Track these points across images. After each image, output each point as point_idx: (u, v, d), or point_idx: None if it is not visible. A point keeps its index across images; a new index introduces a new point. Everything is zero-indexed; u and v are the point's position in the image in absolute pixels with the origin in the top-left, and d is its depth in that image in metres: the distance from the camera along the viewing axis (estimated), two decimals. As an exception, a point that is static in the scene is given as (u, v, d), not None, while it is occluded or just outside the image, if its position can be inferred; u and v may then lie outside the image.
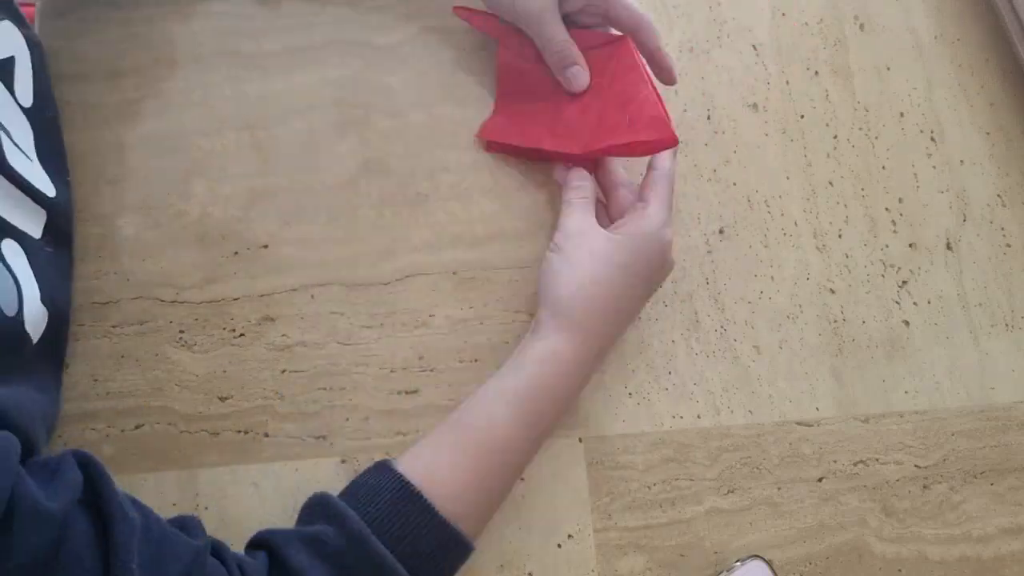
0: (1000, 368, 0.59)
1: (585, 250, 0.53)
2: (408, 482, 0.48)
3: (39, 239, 0.52)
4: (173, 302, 0.57)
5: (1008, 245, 0.62)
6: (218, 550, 0.45)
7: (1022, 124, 0.64)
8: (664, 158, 0.56)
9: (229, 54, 0.63)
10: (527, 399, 0.51)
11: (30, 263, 0.50)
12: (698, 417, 0.57)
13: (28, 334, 0.47)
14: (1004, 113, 0.64)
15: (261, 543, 0.46)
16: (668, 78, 0.58)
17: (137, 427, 0.55)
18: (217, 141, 0.61)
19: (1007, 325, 0.60)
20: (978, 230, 0.62)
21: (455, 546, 0.48)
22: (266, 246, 0.59)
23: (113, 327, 0.57)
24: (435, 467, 0.49)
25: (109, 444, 0.55)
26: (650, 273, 0.54)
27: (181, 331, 0.57)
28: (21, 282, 0.48)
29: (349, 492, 0.49)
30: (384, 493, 0.47)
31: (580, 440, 0.56)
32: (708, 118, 0.63)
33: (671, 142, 0.54)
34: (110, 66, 0.62)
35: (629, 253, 0.53)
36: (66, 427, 0.55)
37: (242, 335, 0.57)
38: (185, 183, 0.60)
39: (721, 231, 0.61)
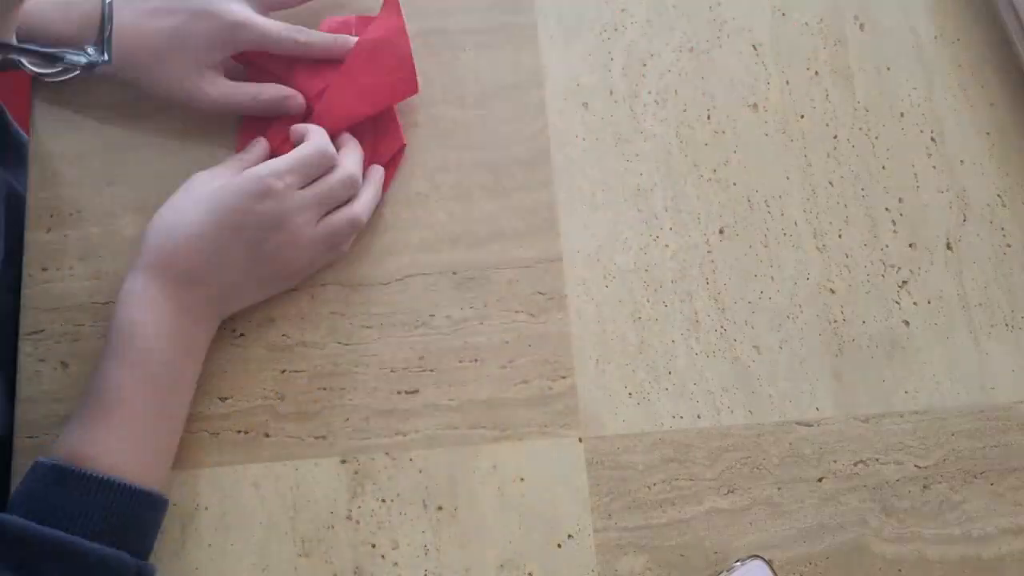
0: (1000, 368, 0.59)
1: (199, 194, 0.54)
2: (56, 465, 0.48)
3: None
4: (173, 302, 0.57)
5: (1008, 245, 0.61)
6: None
7: (1022, 124, 0.64)
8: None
9: (229, 54, 0.63)
10: (135, 358, 0.51)
11: None
12: (698, 417, 0.57)
13: None
14: (1004, 113, 0.64)
15: None
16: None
17: (137, 427, 0.55)
18: (218, 142, 0.61)
19: (1007, 325, 0.60)
20: (978, 230, 0.62)
21: (132, 497, 0.48)
22: (266, 246, 0.59)
23: (113, 327, 0.57)
24: (77, 442, 0.49)
25: (109, 444, 0.55)
26: (253, 224, 0.53)
27: (181, 331, 0.57)
28: None
29: (9, 504, 0.48)
30: (35, 485, 0.48)
31: (580, 440, 0.56)
32: (708, 118, 0.63)
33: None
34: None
35: (232, 196, 0.53)
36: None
37: (242, 335, 0.57)
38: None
39: (721, 231, 0.61)
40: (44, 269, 0.58)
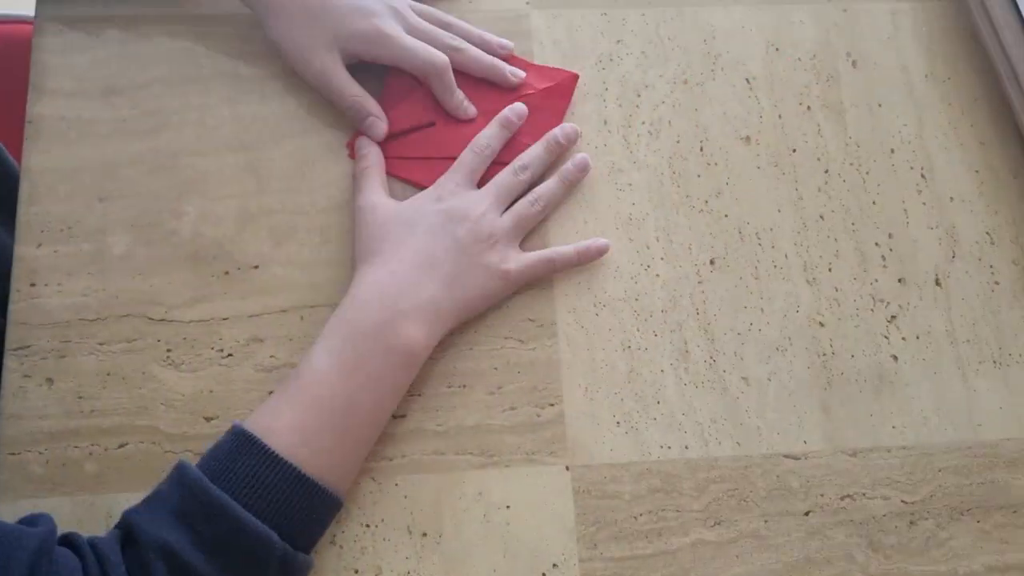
0: (988, 405, 0.59)
1: (374, 221, 0.57)
2: (246, 431, 0.49)
3: None
4: (162, 320, 0.57)
5: (997, 282, 0.62)
6: (70, 538, 0.46)
7: (1012, 163, 0.65)
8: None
9: (227, 75, 0.63)
10: (338, 346, 0.52)
11: None
12: (686, 448, 0.57)
13: None
14: (994, 152, 0.65)
15: (120, 519, 0.48)
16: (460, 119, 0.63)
17: (121, 446, 0.55)
18: (211, 161, 0.61)
19: (995, 362, 0.60)
20: (967, 267, 0.62)
21: (301, 486, 0.49)
22: (257, 267, 0.59)
23: (100, 344, 0.56)
24: (271, 417, 0.50)
25: (92, 462, 0.54)
26: (445, 227, 0.57)
27: (169, 350, 0.57)
28: None
29: (202, 455, 0.50)
30: (225, 445, 0.50)
31: (567, 468, 0.56)
32: (701, 150, 0.64)
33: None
34: (106, 83, 0.62)
35: (412, 210, 0.57)
36: (49, 444, 0.54)
37: (230, 355, 0.57)
38: (178, 202, 0.60)
39: (712, 262, 0.61)
40: (32, 285, 0.57)
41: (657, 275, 0.60)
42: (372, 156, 0.60)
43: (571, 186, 0.61)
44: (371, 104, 0.61)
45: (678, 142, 0.64)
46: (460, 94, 0.62)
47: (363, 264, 0.56)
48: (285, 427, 0.50)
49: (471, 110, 0.62)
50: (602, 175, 0.62)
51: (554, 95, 0.63)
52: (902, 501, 0.57)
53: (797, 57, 0.66)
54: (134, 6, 0.64)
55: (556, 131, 0.61)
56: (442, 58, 0.60)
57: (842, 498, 0.57)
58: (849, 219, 0.63)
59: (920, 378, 0.60)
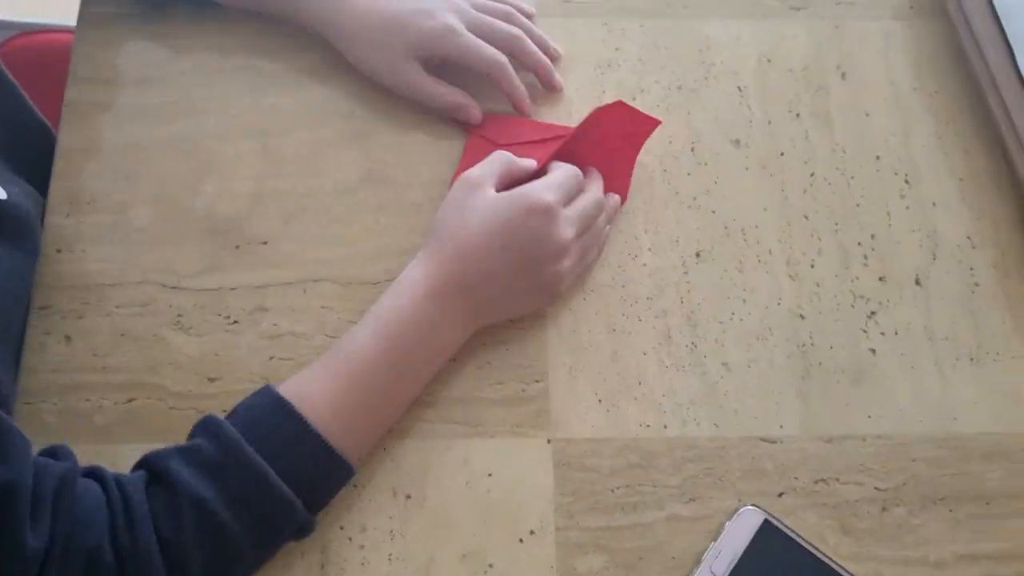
0: (963, 399, 0.60)
1: (474, 203, 0.57)
2: (282, 397, 0.51)
3: None
4: (174, 288, 0.61)
5: (977, 284, 0.64)
6: (96, 471, 0.49)
7: (994, 171, 0.67)
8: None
9: (250, 69, 0.68)
10: (384, 321, 0.55)
11: None
12: (665, 427, 0.59)
13: None
14: (977, 160, 0.67)
15: (141, 463, 0.50)
16: (523, 110, 0.66)
17: (129, 401, 0.58)
18: (230, 146, 0.65)
19: (971, 359, 0.62)
20: (947, 268, 0.64)
21: (328, 459, 0.51)
22: (266, 242, 0.63)
23: (116, 307, 0.60)
24: (310, 387, 0.53)
25: (101, 415, 0.58)
26: (527, 238, 0.56)
27: (179, 315, 0.60)
28: None
29: (233, 411, 0.52)
30: (260, 408, 0.52)
31: (548, 441, 0.58)
32: (692, 150, 0.67)
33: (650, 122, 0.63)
34: (139, 73, 0.67)
35: (507, 211, 0.56)
36: (62, 396, 0.58)
37: (236, 322, 0.61)
38: (197, 182, 0.64)
39: (698, 254, 0.64)
40: (59, 251, 0.62)
41: (644, 264, 0.63)
42: (502, 157, 0.60)
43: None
44: (460, 95, 0.65)
45: (670, 143, 0.67)
46: (523, 88, 0.66)
47: (426, 246, 0.58)
48: (322, 400, 0.52)
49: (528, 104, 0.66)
50: (596, 170, 0.66)
51: (630, 140, 0.64)
52: (875, 488, 0.58)
53: (788, 68, 0.70)
54: (167, 4, 0.69)
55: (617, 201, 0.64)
56: (503, 57, 0.64)
57: (816, 482, 0.58)
58: (833, 219, 0.65)
59: (897, 371, 0.61)
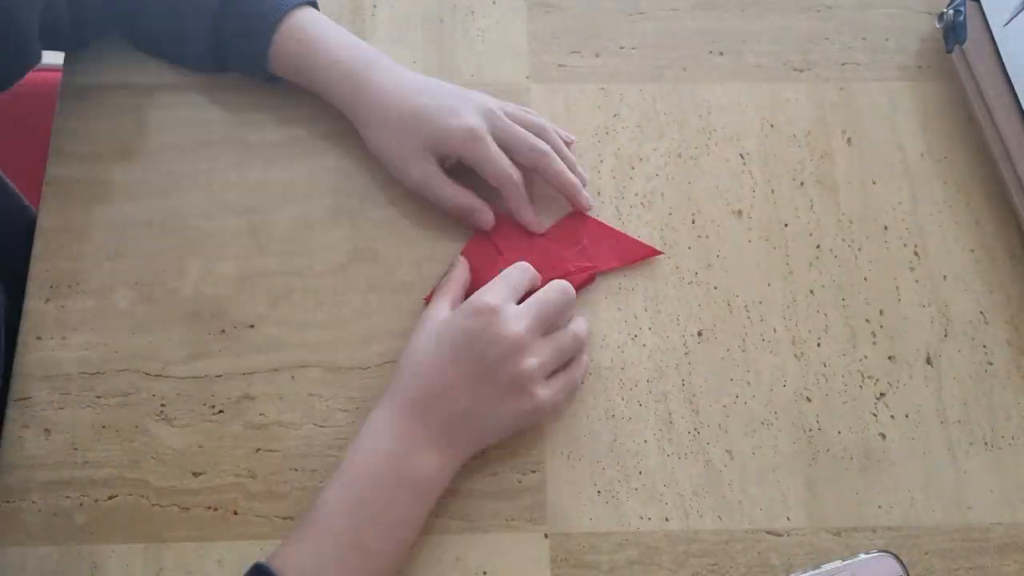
0: (978, 487, 0.58)
1: (425, 329, 0.56)
2: (261, 564, 0.49)
3: None
4: (158, 376, 0.59)
5: (990, 363, 0.61)
6: None
7: (1007, 243, 0.64)
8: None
9: (235, 142, 0.66)
10: (351, 471, 0.53)
11: None
12: (666, 519, 0.57)
13: None
14: (989, 231, 0.65)
15: None
16: (531, 228, 0.63)
17: (111, 498, 0.56)
18: (216, 224, 0.63)
19: (987, 444, 0.59)
20: (959, 346, 0.62)
21: None
22: (253, 326, 0.61)
23: (98, 397, 0.58)
24: (287, 551, 0.51)
25: (81, 513, 0.56)
26: (472, 341, 0.53)
27: (163, 404, 0.58)
28: None
29: None
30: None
31: (545, 536, 0.56)
32: (693, 222, 0.65)
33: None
34: (121, 147, 0.65)
35: (451, 322, 0.55)
36: (43, 494, 0.56)
37: (221, 411, 0.59)
38: (181, 262, 0.62)
39: (700, 333, 0.61)
40: (39, 338, 0.60)
41: (644, 345, 0.61)
42: (457, 270, 0.60)
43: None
44: (474, 200, 0.62)
45: (670, 214, 0.65)
46: (533, 210, 0.62)
47: (387, 386, 0.55)
48: (295, 566, 0.50)
49: (542, 225, 0.63)
50: (593, 245, 0.63)
51: (621, 258, 0.63)
52: (887, 583, 0.56)
53: (792, 134, 0.68)
54: (150, 75, 0.67)
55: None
56: (517, 174, 0.61)
57: (824, 578, 0.56)
58: (840, 295, 0.63)
59: (908, 457, 0.59)
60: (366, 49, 0.63)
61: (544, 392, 0.55)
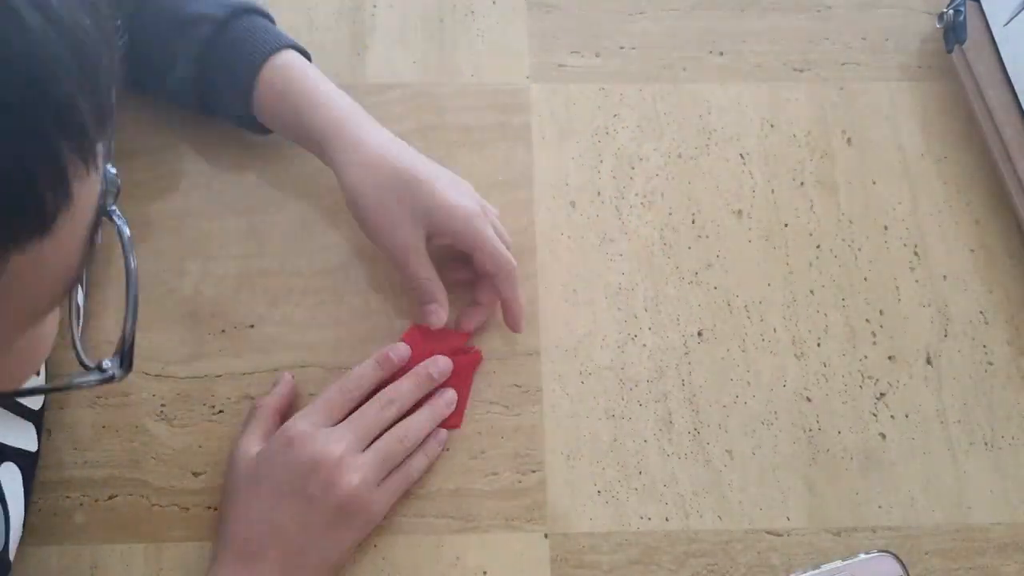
0: (978, 487, 0.58)
1: (240, 470, 0.54)
2: None
3: (36, 451, 0.54)
4: (158, 376, 0.59)
5: (990, 363, 0.61)
6: None
7: (1006, 242, 0.64)
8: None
9: (235, 142, 0.66)
10: None
11: (24, 478, 0.52)
12: (666, 519, 0.57)
13: (9, 560, 0.49)
14: (989, 231, 0.65)
15: None
16: (515, 326, 0.60)
17: (111, 497, 0.56)
18: (216, 224, 0.63)
19: (987, 444, 0.59)
20: (959, 346, 0.62)
21: None
22: (252, 326, 0.61)
23: (98, 398, 0.58)
24: None
25: (81, 513, 0.56)
26: (275, 468, 0.52)
27: (162, 405, 0.58)
28: (10, 507, 0.49)
29: None
30: None
31: (545, 536, 0.56)
32: (692, 222, 0.65)
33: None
34: (123, 147, 0.65)
35: (258, 457, 0.53)
36: (42, 494, 0.56)
37: (221, 411, 0.59)
38: (181, 262, 0.62)
39: (700, 333, 0.61)
40: (38, 337, 0.60)
41: (644, 345, 0.61)
42: (269, 399, 0.57)
43: (438, 420, 0.57)
44: (438, 290, 0.58)
45: (670, 214, 0.65)
46: (523, 302, 0.59)
47: (221, 532, 0.53)
48: None
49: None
50: (593, 245, 0.63)
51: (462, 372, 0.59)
52: (887, 583, 0.56)
53: (792, 134, 0.67)
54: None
55: (428, 364, 0.57)
56: (515, 262, 0.58)
57: (824, 578, 0.56)
58: (840, 295, 0.63)
59: (908, 457, 0.59)
60: (349, 99, 0.60)
61: (377, 501, 0.54)
